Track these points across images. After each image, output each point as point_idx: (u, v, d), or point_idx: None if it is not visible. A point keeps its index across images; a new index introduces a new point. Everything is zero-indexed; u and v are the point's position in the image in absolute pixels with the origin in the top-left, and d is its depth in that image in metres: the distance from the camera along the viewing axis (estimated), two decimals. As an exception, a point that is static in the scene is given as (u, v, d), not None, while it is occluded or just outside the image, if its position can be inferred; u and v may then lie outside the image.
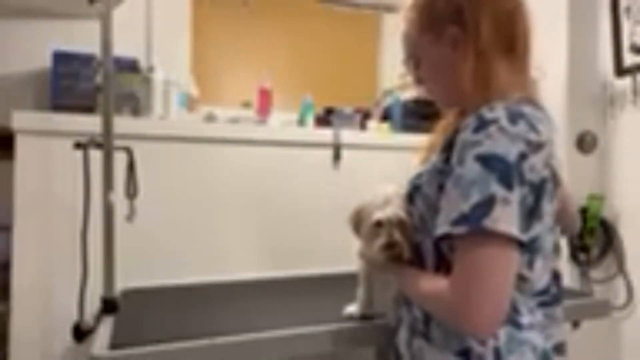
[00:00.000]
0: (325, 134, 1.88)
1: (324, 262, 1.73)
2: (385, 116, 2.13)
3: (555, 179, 0.85)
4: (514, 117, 0.78)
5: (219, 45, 2.24)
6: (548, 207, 0.82)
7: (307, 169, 1.83)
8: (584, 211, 1.92)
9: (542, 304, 0.87)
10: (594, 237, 1.92)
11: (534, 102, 0.87)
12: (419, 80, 0.98)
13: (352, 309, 1.15)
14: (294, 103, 2.04)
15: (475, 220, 0.74)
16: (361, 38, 2.52)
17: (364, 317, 1.13)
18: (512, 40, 0.88)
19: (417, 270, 0.92)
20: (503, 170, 0.74)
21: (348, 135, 1.89)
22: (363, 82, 2.50)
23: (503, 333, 0.82)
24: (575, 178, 1.94)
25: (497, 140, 0.76)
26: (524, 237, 0.75)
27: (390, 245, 0.91)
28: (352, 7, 2.45)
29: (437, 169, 0.87)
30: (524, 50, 0.91)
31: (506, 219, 0.73)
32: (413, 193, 0.93)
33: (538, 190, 0.79)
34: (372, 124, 2.06)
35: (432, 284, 0.85)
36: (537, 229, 0.81)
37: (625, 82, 1.88)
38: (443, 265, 0.86)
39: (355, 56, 2.49)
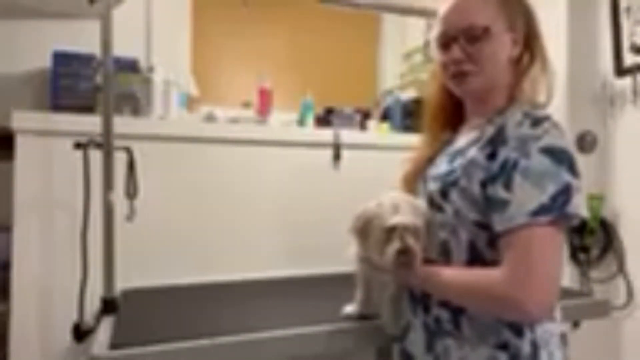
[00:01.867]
0: (325, 134, 1.88)
1: (324, 262, 1.73)
2: (385, 116, 2.13)
3: None
4: (549, 122, 0.86)
5: (219, 45, 2.24)
6: None
7: (307, 169, 1.83)
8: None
9: None
10: (594, 237, 1.92)
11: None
12: (464, 52, 0.93)
13: (350, 308, 1.15)
14: (294, 103, 2.04)
15: (557, 210, 0.79)
16: (361, 38, 2.52)
17: (362, 317, 1.13)
18: (547, 61, 0.97)
19: (450, 268, 0.92)
20: (570, 160, 0.81)
21: (348, 135, 1.89)
22: (363, 82, 2.50)
23: (538, 326, 0.86)
24: (575, 178, 1.95)
25: (555, 134, 0.83)
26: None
27: (403, 251, 0.91)
28: (352, 7, 2.44)
29: (477, 164, 0.88)
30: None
31: (582, 204, 0.82)
32: (448, 189, 0.92)
33: None
34: (372, 124, 2.06)
35: (479, 276, 0.86)
36: None
37: (625, 82, 1.88)
38: (477, 261, 0.89)
39: (355, 56, 2.49)
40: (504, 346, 0.86)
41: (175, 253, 1.64)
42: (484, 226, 0.87)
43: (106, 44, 1.29)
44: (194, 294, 1.46)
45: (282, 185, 1.80)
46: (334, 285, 1.42)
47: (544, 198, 0.79)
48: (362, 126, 2.05)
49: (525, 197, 0.80)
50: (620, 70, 1.89)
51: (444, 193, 0.93)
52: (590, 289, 1.90)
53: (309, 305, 1.32)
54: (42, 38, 1.73)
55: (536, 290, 0.78)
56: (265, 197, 1.78)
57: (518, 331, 0.85)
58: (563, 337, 0.92)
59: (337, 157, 1.86)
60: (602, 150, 1.97)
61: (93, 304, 1.33)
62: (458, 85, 0.97)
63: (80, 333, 1.30)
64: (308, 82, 2.17)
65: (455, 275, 0.90)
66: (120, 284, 1.38)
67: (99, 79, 1.55)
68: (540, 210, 0.79)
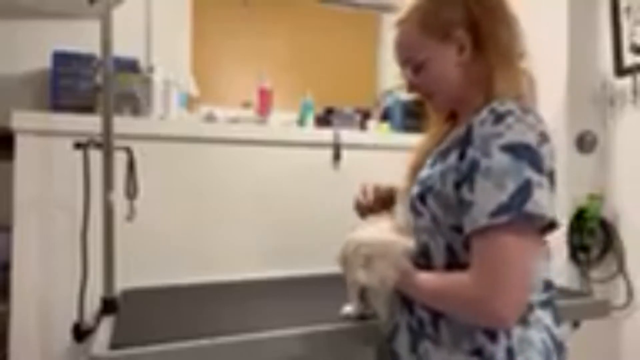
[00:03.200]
0: (325, 134, 1.88)
1: (324, 262, 1.73)
2: (385, 116, 2.13)
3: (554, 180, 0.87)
4: (524, 109, 0.82)
5: (219, 45, 2.24)
6: (553, 199, 0.84)
7: (307, 169, 1.83)
8: (583, 211, 1.93)
9: (552, 299, 0.89)
10: (594, 237, 1.92)
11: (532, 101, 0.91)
12: (413, 83, 0.99)
13: (349, 309, 1.15)
14: (294, 103, 2.04)
15: (516, 208, 0.75)
16: (361, 38, 2.52)
17: (361, 317, 1.13)
18: (513, 46, 0.92)
19: (426, 272, 0.91)
20: (531, 156, 0.77)
21: (348, 135, 1.89)
22: (363, 82, 2.49)
23: (515, 331, 0.83)
24: (575, 178, 1.94)
25: (517, 129, 0.78)
26: (557, 218, 0.78)
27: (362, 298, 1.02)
28: (352, 7, 2.45)
29: (451, 167, 0.87)
30: (521, 55, 0.94)
31: (544, 201, 0.76)
32: (425, 193, 0.92)
33: (551, 178, 0.82)
34: (372, 124, 2.06)
35: (449, 280, 0.85)
36: None
37: (625, 82, 1.88)
38: (454, 264, 0.87)
39: (355, 56, 2.49)
40: (478, 352, 0.83)
41: (175, 253, 1.64)
42: (459, 229, 0.84)
43: (106, 44, 1.29)
44: (194, 294, 1.46)
45: (282, 186, 1.80)
46: (335, 286, 1.42)
47: (503, 197, 0.76)
48: (362, 126, 2.04)
49: (486, 197, 0.78)
50: (620, 70, 1.89)
51: (422, 198, 0.93)
52: (590, 289, 1.90)
53: (310, 305, 1.32)
54: (42, 38, 1.73)
55: (501, 292, 0.75)
56: (265, 197, 1.78)
57: (493, 337, 0.83)
58: (562, 346, 0.89)
59: (337, 157, 1.86)
60: (602, 150, 1.97)
61: (93, 304, 1.33)
62: (428, 104, 1.00)
63: (80, 333, 1.30)
64: (308, 82, 2.17)
65: (429, 279, 0.89)
66: (120, 284, 1.38)
67: (99, 79, 1.55)
68: (499, 210, 0.76)
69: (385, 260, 0.93)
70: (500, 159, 0.77)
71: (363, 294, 1.10)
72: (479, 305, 0.78)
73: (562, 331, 0.91)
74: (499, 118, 0.80)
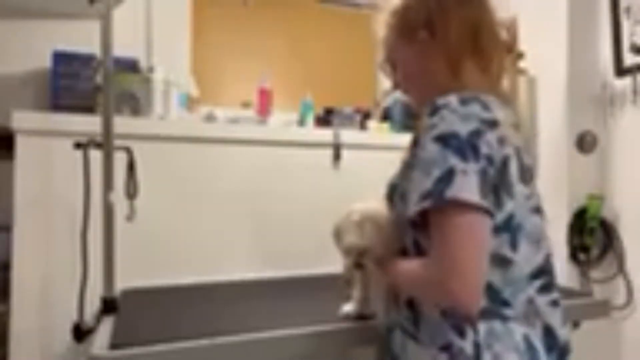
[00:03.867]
0: (325, 134, 1.88)
1: (324, 262, 1.73)
2: (385, 116, 2.13)
3: (528, 172, 0.88)
4: (466, 100, 0.84)
5: (219, 45, 2.24)
6: (521, 188, 0.85)
7: (307, 169, 1.83)
8: (583, 211, 1.93)
9: (543, 289, 0.88)
10: (594, 237, 1.92)
11: (501, 97, 0.93)
12: (394, 81, 1.06)
13: (347, 308, 1.15)
14: (294, 103, 2.04)
15: (438, 193, 0.79)
16: (361, 38, 2.52)
17: (361, 316, 1.13)
18: (476, 44, 0.94)
19: (398, 263, 0.95)
20: (457, 145, 0.80)
21: (348, 135, 1.89)
22: (363, 82, 2.49)
23: (483, 327, 0.83)
24: (575, 178, 1.95)
25: (449, 120, 0.82)
26: (486, 204, 0.79)
27: (357, 265, 1.01)
28: (352, 7, 2.45)
29: (408, 164, 0.93)
30: (490, 52, 0.96)
31: (467, 187, 0.78)
32: (391, 192, 0.99)
33: (501, 166, 0.82)
34: (372, 124, 2.06)
35: (412, 266, 0.89)
36: (509, 205, 0.84)
37: (625, 82, 1.88)
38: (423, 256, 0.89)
39: (355, 56, 2.49)
40: (447, 347, 0.85)
41: (175, 253, 1.64)
42: (417, 223, 0.88)
43: (106, 44, 1.29)
44: (194, 294, 1.46)
45: (282, 186, 1.80)
46: (335, 286, 1.42)
47: (428, 184, 0.80)
48: (362, 126, 2.05)
49: (416, 186, 0.83)
50: (620, 70, 1.89)
51: (390, 196, 0.99)
52: (590, 289, 1.90)
53: (310, 305, 1.32)
54: (42, 38, 1.74)
55: (455, 273, 0.77)
56: (265, 197, 1.78)
57: (461, 332, 0.84)
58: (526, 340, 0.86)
59: (337, 157, 1.86)
60: (602, 150, 1.97)
61: (93, 304, 1.33)
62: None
63: (80, 333, 1.29)
64: (308, 82, 2.17)
65: (402, 264, 0.93)
66: (120, 284, 1.38)
67: (99, 79, 1.55)
68: (424, 196, 0.80)
69: (375, 225, 0.99)
70: (430, 149, 0.82)
71: (365, 287, 1.10)
72: (438, 288, 0.80)
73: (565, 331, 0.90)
74: (434, 110, 0.84)
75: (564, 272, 1.91)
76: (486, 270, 0.81)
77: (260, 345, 1.06)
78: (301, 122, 1.99)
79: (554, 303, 0.89)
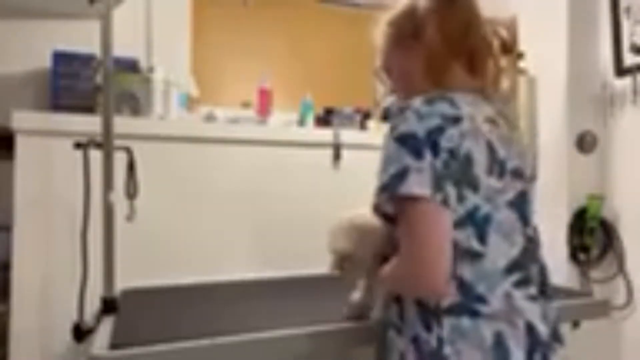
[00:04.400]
0: (325, 134, 1.88)
1: (324, 262, 1.73)
2: (385, 116, 2.13)
3: (501, 165, 0.90)
4: (432, 99, 0.90)
5: (219, 45, 2.23)
6: (489, 181, 0.87)
7: (307, 169, 1.83)
8: (583, 211, 1.92)
9: (520, 284, 0.88)
10: (594, 237, 1.92)
11: (483, 96, 0.97)
12: (391, 86, 1.13)
13: (356, 295, 1.17)
14: (294, 103, 2.04)
15: (393, 188, 0.85)
16: (361, 38, 2.52)
17: (366, 306, 1.15)
18: (462, 46, 0.98)
19: (384, 265, 0.98)
20: (413, 144, 0.85)
21: (348, 135, 1.89)
22: (363, 82, 2.49)
23: (449, 322, 0.85)
24: (575, 178, 1.94)
25: (410, 120, 0.87)
26: (439, 197, 0.83)
27: (338, 267, 1.12)
28: (352, 7, 2.45)
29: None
30: (477, 54, 1.00)
31: (419, 183, 0.83)
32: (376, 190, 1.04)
33: (463, 160, 0.85)
34: (372, 124, 2.06)
35: (391, 265, 0.93)
36: (473, 199, 0.86)
37: (625, 82, 1.88)
38: None
39: (355, 56, 2.49)
40: (415, 339, 0.89)
41: (175, 253, 1.64)
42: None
43: (106, 44, 1.29)
44: (194, 294, 1.46)
45: (282, 186, 1.80)
46: (335, 286, 1.42)
47: (384, 178, 0.87)
48: (362, 126, 2.04)
49: (378, 181, 0.89)
50: (620, 70, 1.89)
51: (377, 195, 1.04)
52: (590, 289, 1.90)
53: (310, 305, 1.32)
54: (42, 38, 1.74)
55: (420, 264, 0.84)
56: (265, 197, 1.78)
57: (428, 326, 0.87)
58: (498, 336, 0.85)
59: (337, 157, 1.87)
60: (602, 150, 1.97)
61: (93, 304, 1.33)
62: None
63: (80, 333, 1.29)
64: (308, 82, 2.17)
65: (386, 267, 0.96)
66: (120, 284, 1.38)
67: (99, 79, 1.55)
68: (381, 190, 0.88)
69: (361, 232, 1.08)
70: (389, 148, 0.88)
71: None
72: (409, 280, 0.88)
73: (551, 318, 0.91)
74: (398, 113, 0.91)
75: (564, 272, 1.91)
76: (450, 255, 0.84)
77: (260, 345, 1.06)
78: (301, 122, 1.99)
79: (532, 298, 0.88)
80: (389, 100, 2.16)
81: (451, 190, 0.84)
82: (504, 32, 1.05)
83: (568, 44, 1.95)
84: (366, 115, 2.10)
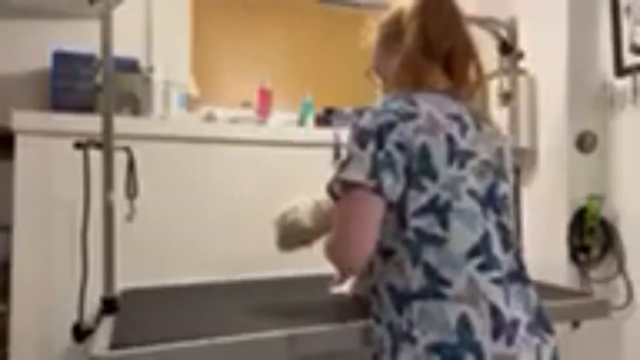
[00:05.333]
0: (325, 134, 1.88)
1: (324, 262, 1.73)
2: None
3: (463, 156, 0.95)
4: (392, 99, 0.98)
5: (219, 45, 2.23)
6: (449, 171, 0.93)
7: (307, 169, 1.83)
8: (583, 211, 1.92)
9: (482, 268, 0.91)
10: (594, 237, 1.92)
11: (453, 96, 1.02)
12: (381, 88, 1.19)
13: (345, 288, 1.24)
14: (294, 103, 2.04)
15: (337, 172, 0.96)
16: (361, 38, 2.52)
17: (355, 297, 1.22)
18: (438, 51, 1.03)
19: None
20: (361, 137, 0.94)
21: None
22: (363, 82, 2.49)
23: (417, 305, 0.89)
24: (575, 178, 1.94)
25: (365, 118, 0.97)
26: (371, 183, 0.91)
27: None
28: (352, 7, 2.44)
29: None
30: (453, 59, 1.05)
31: (356, 170, 0.92)
32: None
33: (419, 153, 0.92)
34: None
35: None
36: (433, 188, 0.92)
37: (625, 82, 1.88)
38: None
39: (355, 56, 2.48)
40: (390, 325, 0.93)
41: (175, 253, 1.64)
42: None
43: (106, 44, 1.29)
44: (194, 294, 1.46)
45: (282, 186, 1.79)
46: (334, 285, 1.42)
47: (337, 169, 0.97)
48: (362, 126, 2.04)
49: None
50: (620, 70, 1.88)
51: None
52: (590, 289, 1.90)
53: (311, 305, 1.32)
54: (42, 38, 1.73)
55: (336, 240, 0.98)
56: (265, 197, 1.77)
57: (399, 310, 0.92)
58: (463, 319, 0.87)
59: (337, 157, 1.87)
60: (602, 150, 1.97)
61: (93, 304, 1.33)
62: None
63: (80, 333, 1.30)
64: (308, 82, 2.17)
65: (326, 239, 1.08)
66: (120, 284, 1.38)
67: (99, 79, 1.55)
68: (333, 179, 0.98)
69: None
70: (348, 141, 0.98)
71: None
72: (334, 253, 0.99)
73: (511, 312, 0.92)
74: (361, 112, 1.00)
75: (564, 272, 1.91)
76: (371, 234, 0.93)
77: (260, 345, 1.06)
78: (301, 122, 1.99)
79: (496, 281, 0.91)
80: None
81: (388, 179, 0.91)
82: (503, 32, 1.08)
83: (568, 44, 1.94)
84: (366, 115, 2.10)
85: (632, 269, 1.87)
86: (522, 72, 2.02)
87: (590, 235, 1.91)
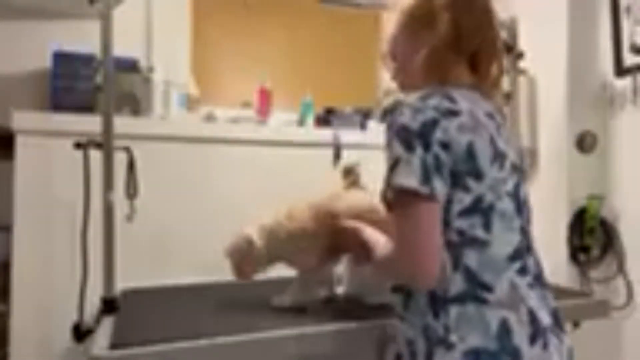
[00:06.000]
0: (325, 134, 1.88)
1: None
2: (385, 116, 2.13)
3: (503, 157, 0.92)
4: (428, 95, 0.91)
5: (219, 45, 2.23)
6: (492, 172, 0.90)
7: (307, 169, 1.83)
8: (583, 211, 1.93)
9: (521, 272, 0.90)
10: (594, 237, 1.92)
11: (480, 93, 0.99)
12: (394, 75, 1.11)
13: (286, 298, 1.26)
14: (294, 103, 2.04)
15: (387, 179, 0.90)
16: (361, 38, 2.52)
17: (298, 307, 1.22)
18: (468, 46, 0.99)
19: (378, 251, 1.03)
20: (405, 137, 0.88)
21: (348, 135, 1.89)
22: (363, 82, 2.49)
23: (455, 310, 0.87)
24: (575, 178, 1.95)
25: (404, 114, 0.90)
26: (425, 190, 0.85)
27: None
28: (352, 7, 2.45)
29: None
30: (482, 53, 1.01)
31: (407, 175, 0.86)
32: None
33: (465, 152, 0.88)
34: (372, 124, 2.06)
35: (383, 250, 0.99)
36: (478, 189, 0.88)
37: (625, 82, 1.88)
38: None
39: (355, 56, 2.49)
40: (425, 328, 0.90)
41: (175, 253, 1.64)
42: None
43: (106, 44, 1.29)
44: (194, 294, 1.46)
45: (282, 186, 1.79)
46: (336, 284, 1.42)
47: (386, 174, 0.91)
48: (362, 126, 2.04)
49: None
50: (620, 70, 1.89)
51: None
52: (590, 289, 1.90)
53: (312, 305, 1.32)
54: (42, 38, 1.73)
55: (408, 255, 0.88)
56: (265, 197, 1.77)
57: (436, 314, 0.89)
58: (504, 324, 0.86)
59: (337, 157, 1.87)
60: (602, 150, 1.97)
61: (93, 304, 1.33)
62: None
63: (80, 333, 1.30)
64: (308, 82, 2.17)
65: (380, 253, 1.01)
66: (120, 284, 1.38)
67: (99, 79, 1.55)
68: (385, 186, 0.91)
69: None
70: (389, 142, 0.92)
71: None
72: (400, 269, 0.91)
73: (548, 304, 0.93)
74: (395, 108, 0.93)
75: (564, 272, 1.91)
76: (438, 243, 0.87)
77: (260, 345, 1.06)
78: (301, 122, 1.99)
79: (531, 285, 0.91)
80: (389, 100, 2.17)
81: (438, 184, 0.86)
82: (503, 32, 1.07)
83: (568, 44, 1.95)
84: (366, 115, 2.10)
85: (632, 269, 1.87)
86: (522, 72, 2.03)
87: (590, 235, 1.92)
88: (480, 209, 0.88)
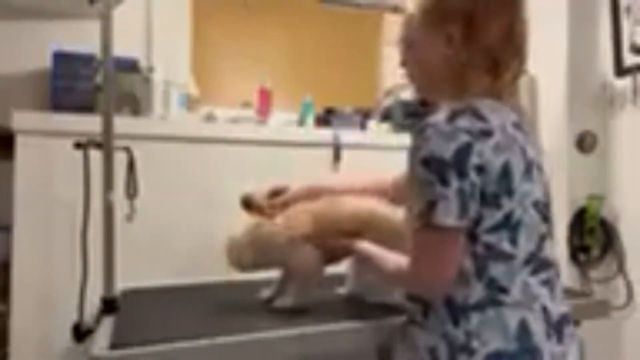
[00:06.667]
0: (325, 134, 1.88)
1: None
2: (386, 116, 2.13)
3: (532, 166, 0.92)
4: (456, 114, 0.87)
5: (219, 45, 2.24)
6: (523, 187, 0.89)
7: (307, 169, 1.83)
8: (583, 211, 1.93)
9: (534, 272, 0.91)
10: (594, 237, 1.92)
11: (501, 99, 0.96)
12: (403, 61, 1.07)
13: (287, 299, 1.25)
14: (294, 103, 2.04)
15: (425, 218, 0.87)
16: (361, 38, 2.52)
17: (298, 308, 1.21)
18: (495, 53, 0.96)
19: (383, 257, 1.05)
20: (440, 170, 0.85)
21: (348, 135, 1.89)
22: (363, 82, 2.50)
23: (477, 317, 0.88)
24: (575, 178, 1.95)
25: (433, 141, 0.86)
26: (462, 223, 0.86)
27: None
28: (352, 7, 2.45)
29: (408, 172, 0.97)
30: (508, 59, 0.98)
31: (445, 212, 0.85)
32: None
33: (500, 173, 0.87)
34: (372, 124, 2.06)
35: (395, 262, 0.99)
36: (509, 204, 0.88)
37: (625, 82, 1.88)
38: None
39: (355, 56, 2.49)
40: (445, 335, 0.91)
41: (176, 253, 1.64)
42: None
43: (106, 44, 1.29)
44: (194, 294, 1.46)
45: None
46: (335, 285, 1.42)
47: (421, 205, 0.88)
48: (362, 126, 2.04)
49: (415, 204, 0.90)
50: (620, 70, 1.89)
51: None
52: (590, 289, 1.91)
53: (312, 305, 1.32)
54: (42, 38, 1.73)
55: (419, 274, 0.92)
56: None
57: (456, 321, 0.90)
58: (563, 318, 0.91)
59: (337, 157, 1.86)
60: (602, 150, 1.97)
61: (93, 304, 1.33)
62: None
63: (80, 333, 1.29)
64: (308, 82, 2.17)
65: (387, 261, 1.03)
66: (120, 284, 1.38)
67: (99, 79, 1.55)
68: (420, 216, 0.89)
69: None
70: (419, 171, 0.88)
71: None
72: (414, 286, 0.96)
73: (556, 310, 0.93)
74: (420, 130, 0.89)
75: (564, 272, 1.91)
76: (459, 257, 0.89)
77: (260, 345, 1.06)
78: (301, 122, 1.99)
79: (544, 282, 0.92)
80: (390, 100, 2.17)
81: (473, 209, 0.86)
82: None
83: (568, 44, 1.95)
84: (366, 115, 2.10)
85: (632, 269, 1.87)
86: (522, 72, 2.02)
87: (590, 235, 1.92)
88: (509, 225, 0.88)
